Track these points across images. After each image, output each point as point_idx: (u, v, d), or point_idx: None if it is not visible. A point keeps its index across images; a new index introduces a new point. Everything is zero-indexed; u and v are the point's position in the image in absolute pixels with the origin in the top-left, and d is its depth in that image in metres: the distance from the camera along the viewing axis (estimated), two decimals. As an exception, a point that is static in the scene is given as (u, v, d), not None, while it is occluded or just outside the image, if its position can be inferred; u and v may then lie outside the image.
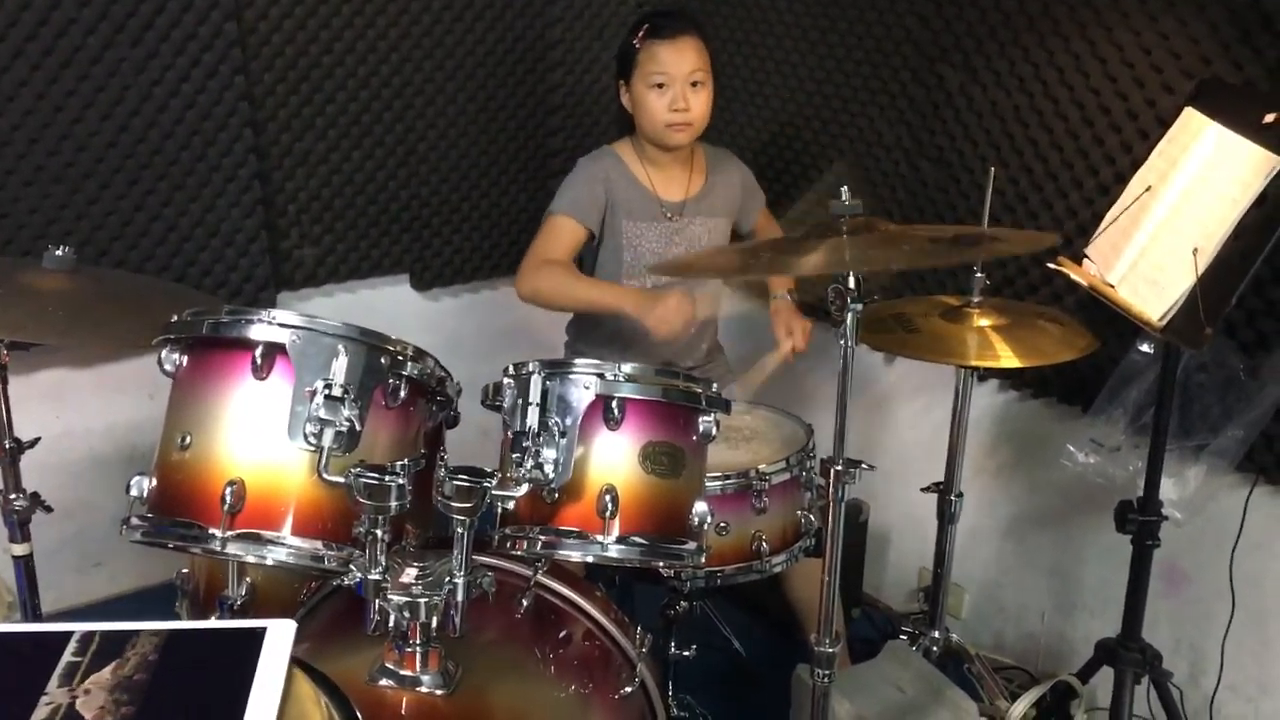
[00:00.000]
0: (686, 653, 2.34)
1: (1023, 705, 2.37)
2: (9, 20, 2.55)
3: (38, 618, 2.23)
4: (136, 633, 1.05)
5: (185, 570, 2.30)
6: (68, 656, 1.01)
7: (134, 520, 1.66)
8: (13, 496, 2.11)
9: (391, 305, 3.38)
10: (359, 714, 1.09)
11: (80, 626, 1.05)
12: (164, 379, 3.10)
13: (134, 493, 1.67)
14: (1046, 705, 2.52)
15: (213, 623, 1.14)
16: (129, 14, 2.68)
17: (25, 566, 2.17)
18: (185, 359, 1.71)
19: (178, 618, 2.29)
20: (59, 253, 2.02)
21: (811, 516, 2.23)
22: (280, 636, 1.06)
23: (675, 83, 2.42)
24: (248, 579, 2.07)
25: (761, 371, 2.49)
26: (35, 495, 2.14)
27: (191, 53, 2.79)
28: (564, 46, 3.42)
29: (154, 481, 1.68)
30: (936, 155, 2.78)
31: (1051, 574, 2.84)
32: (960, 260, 1.81)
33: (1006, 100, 2.60)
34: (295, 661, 1.06)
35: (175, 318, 1.72)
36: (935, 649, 2.52)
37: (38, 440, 2.13)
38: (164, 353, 1.71)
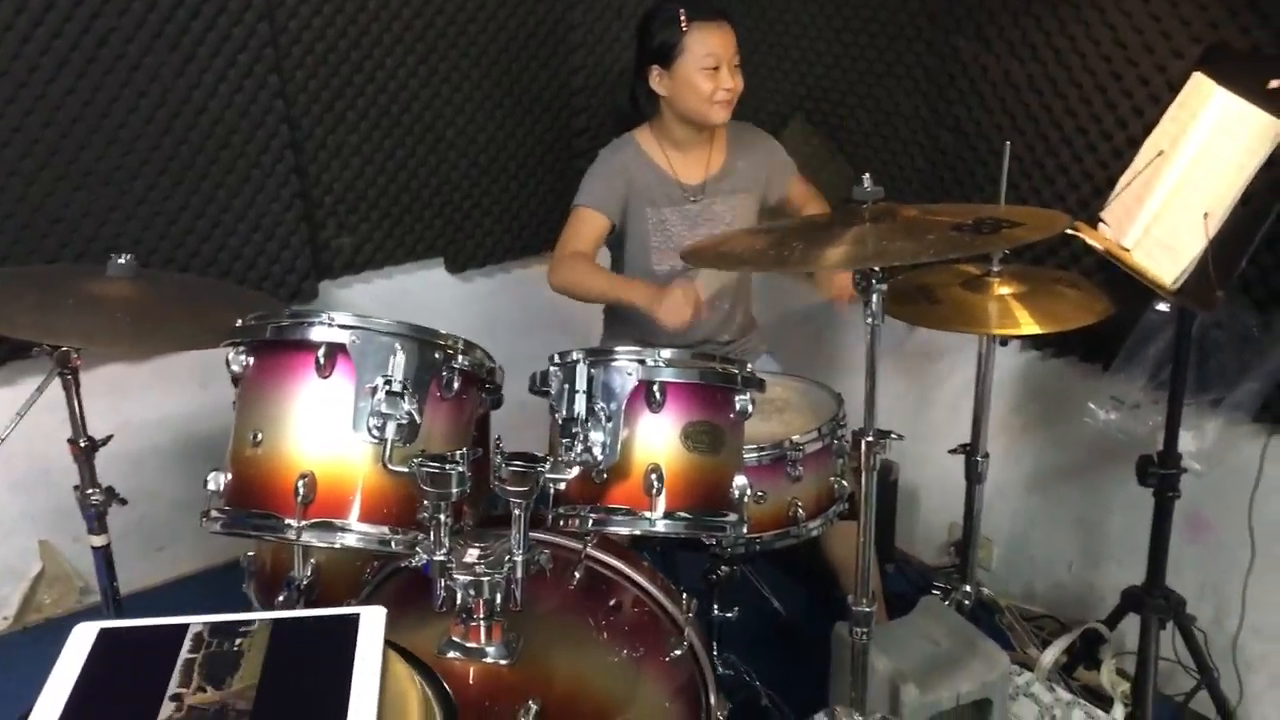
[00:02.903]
0: (729, 614, 2.46)
1: (1053, 653, 2.47)
2: (53, 32, 2.64)
3: (118, 603, 2.35)
4: (244, 623, 1.16)
5: (251, 553, 2.43)
6: (185, 652, 1.12)
7: (213, 513, 1.78)
8: (90, 491, 2.24)
9: (427, 288, 3.48)
10: (446, 687, 1.19)
11: (193, 620, 1.16)
12: (216, 370, 3.20)
13: (211, 486, 1.79)
14: (1076, 651, 2.63)
15: (311, 611, 1.25)
16: (165, 20, 2.77)
17: (104, 556, 2.30)
18: (251, 360, 1.81)
19: (245, 597, 2.42)
20: (121, 261, 2.13)
21: (844, 481, 2.33)
22: (373, 621, 1.17)
23: (723, 64, 2.51)
24: (312, 560, 2.18)
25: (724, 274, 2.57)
26: (110, 489, 2.27)
27: (227, 54, 2.88)
28: (584, 29, 3.48)
29: (229, 476, 1.79)
30: (954, 125, 2.86)
31: (1077, 525, 2.93)
32: (982, 249, 1.89)
33: (1020, 69, 2.67)
34: (386, 643, 1.17)
35: (240, 322, 1.84)
36: (967, 602, 2.62)
37: (110, 438, 2.25)
38: (231, 354, 1.82)
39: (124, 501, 2.30)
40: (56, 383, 2.17)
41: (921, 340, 3.11)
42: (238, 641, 1.14)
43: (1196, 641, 2.44)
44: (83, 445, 2.21)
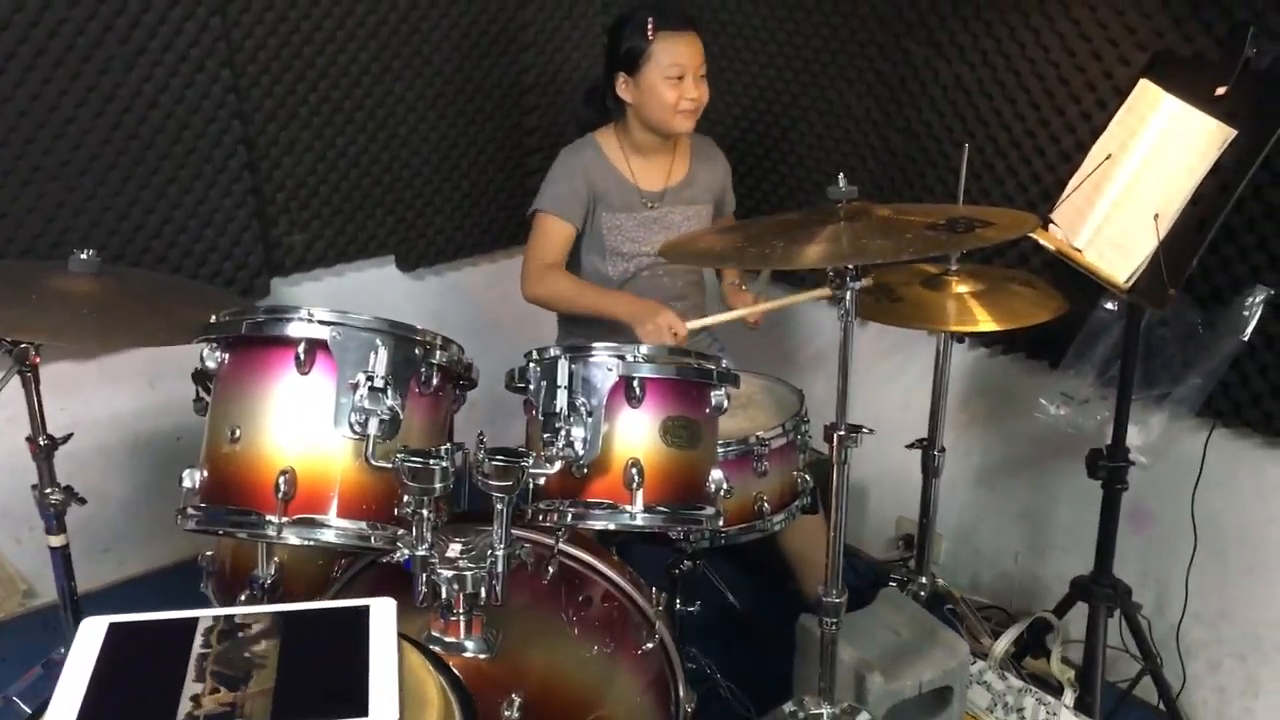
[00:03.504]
0: (691, 609, 2.49)
1: (1005, 641, 2.54)
2: (1, 24, 2.59)
3: (76, 605, 2.32)
4: (254, 618, 1.16)
5: (210, 552, 2.41)
6: (198, 647, 1.11)
7: (189, 510, 1.76)
8: (48, 490, 2.20)
9: (378, 286, 3.47)
10: (458, 675, 1.21)
11: (201, 614, 1.16)
12: (164, 369, 3.21)
13: (186, 484, 1.77)
14: (1024, 641, 2.71)
15: (319, 604, 1.25)
16: (117, 13, 2.73)
17: (62, 556, 2.27)
18: (227, 356, 1.80)
19: (205, 597, 2.40)
20: (84, 256, 2.10)
21: (807, 476, 2.37)
22: (384, 613, 1.18)
23: (689, 74, 2.54)
24: (276, 559, 2.17)
25: (718, 318, 2.57)
26: (69, 488, 2.24)
27: (179, 48, 2.85)
28: (535, 28, 3.50)
29: (205, 473, 1.78)
30: (905, 127, 2.92)
31: (1023, 518, 3.02)
32: (958, 247, 1.94)
33: (970, 74, 2.74)
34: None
35: (214, 318, 1.82)
36: (922, 594, 2.69)
37: (70, 436, 2.22)
38: (205, 350, 1.80)
39: (83, 501, 2.27)
40: (-1, 381, 2.13)
41: (871, 337, 3.17)
42: (250, 635, 1.14)
43: (1141, 628, 2.53)
44: (42, 444, 2.18)
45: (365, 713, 1.05)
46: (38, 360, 2.13)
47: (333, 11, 3.10)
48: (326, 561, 2.22)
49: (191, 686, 1.05)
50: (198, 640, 1.12)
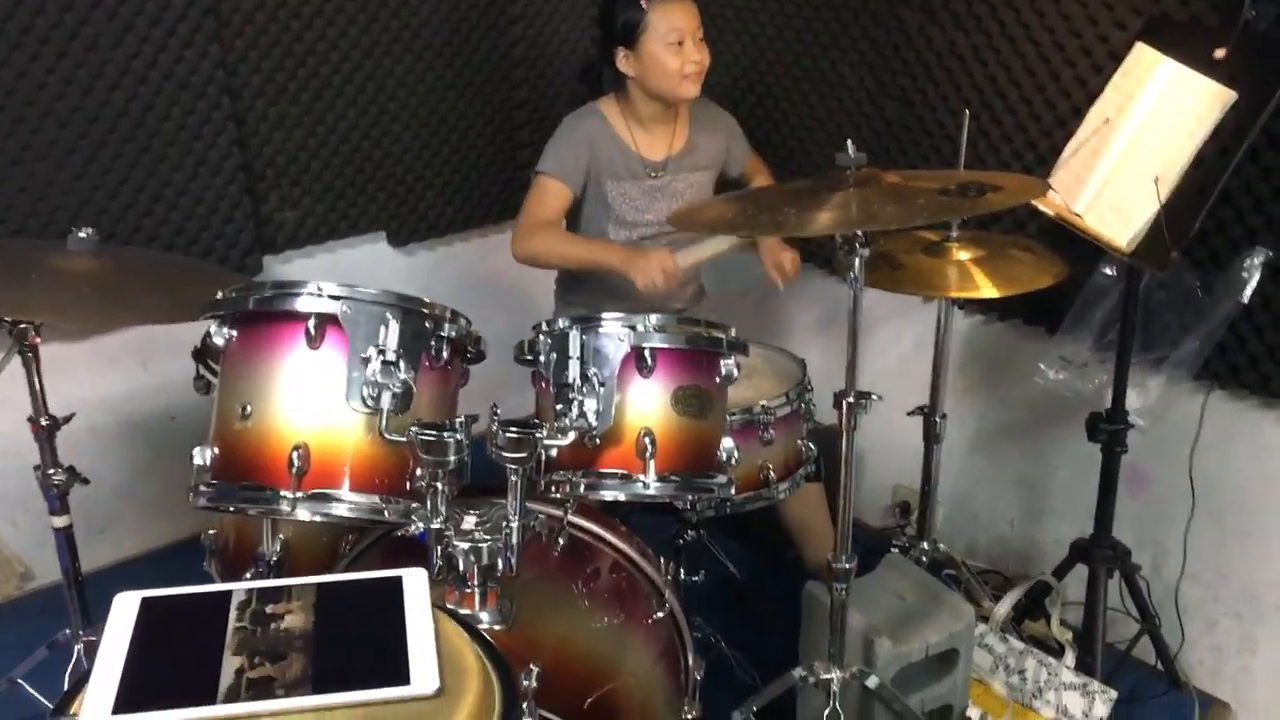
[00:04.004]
0: (696, 578, 2.50)
1: (1006, 604, 2.56)
2: (-15, -1, 2.56)
3: (80, 586, 2.31)
4: (289, 588, 1.16)
5: (213, 531, 2.40)
6: (233, 620, 1.11)
7: (201, 488, 1.75)
8: (51, 471, 2.19)
9: (370, 262, 3.45)
10: (492, 642, 1.21)
11: (234, 586, 1.15)
12: (157, 349, 3.18)
13: (198, 461, 1.76)
14: (1022, 604, 2.73)
15: (351, 575, 1.25)
16: (104, -13, 2.71)
17: (66, 537, 2.26)
18: (235, 333, 1.78)
19: (208, 575, 2.39)
20: (83, 235, 2.08)
21: (810, 445, 2.39)
22: (417, 583, 1.18)
23: (688, 38, 2.53)
24: (281, 535, 2.17)
25: (704, 250, 2.56)
26: (72, 469, 2.22)
27: (167, 23, 2.81)
28: (523, 1, 3.48)
29: (216, 450, 1.76)
30: (899, 95, 2.92)
31: (1019, 483, 3.04)
32: (970, 212, 1.95)
33: (965, 40, 2.74)
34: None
35: (221, 294, 1.80)
36: (924, 559, 2.71)
37: (72, 416, 2.21)
38: (213, 327, 1.78)
39: (86, 481, 2.26)
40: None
41: (866, 304, 3.18)
42: (284, 607, 1.14)
43: (1140, 589, 2.56)
44: (44, 424, 2.16)
45: (407, 680, 1.05)
46: (38, 340, 2.11)
47: (320, -14, 3.07)
48: (332, 538, 2.22)
49: (231, 660, 1.05)
50: (232, 613, 1.12)
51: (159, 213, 2.94)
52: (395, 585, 1.18)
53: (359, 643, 1.10)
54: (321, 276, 3.28)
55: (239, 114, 3.02)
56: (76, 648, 2.33)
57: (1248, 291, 2.24)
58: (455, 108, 3.44)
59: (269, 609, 1.13)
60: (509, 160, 3.60)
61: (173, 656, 1.06)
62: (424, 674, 1.05)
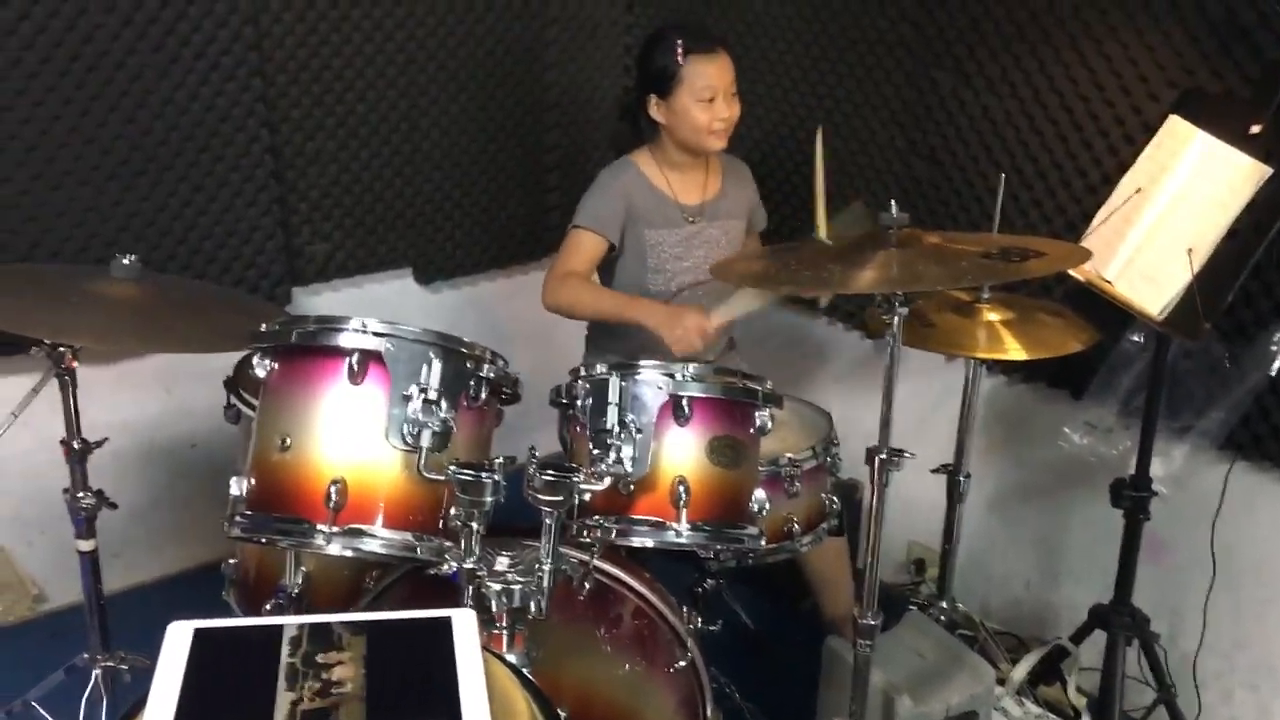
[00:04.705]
0: (713, 627, 2.49)
1: (1024, 667, 2.56)
2: (37, 28, 2.60)
3: (102, 610, 2.31)
4: (340, 625, 1.17)
5: (234, 560, 2.40)
6: (285, 655, 1.12)
7: (236, 518, 1.76)
8: (80, 495, 2.20)
9: (396, 298, 3.47)
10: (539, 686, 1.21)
11: (285, 621, 1.16)
12: (181, 375, 3.19)
13: (234, 491, 1.77)
14: (1037, 668, 2.73)
15: (401, 614, 1.25)
16: (151, 20, 2.74)
17: (91, 561, 2.26)
18: (277, 365, 1.80)
19: (226, 605, 2.39)
20: (126, 261, 2.11)
21: (834, 499, 2.39)
22: (466, 624, 1.19)
23: (720, 94, 2.55)
24: (303, 568, 2.17)
25: (736, 307, 2.52)
26: (100, 493, 2.23)
27: (211, 56, 2.86)
28: (558, 47, 3.53)
29: (252, 480, 1.77)
30: (929, 155, 2.95)
31: (1035, 544, 3.04)
32: (1011, 277, 1.97)
33: (998, 105, 2.77)
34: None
35: (264, 327, 1.82)
36: (943, 618, 2.70)
37: (105, 440, 2.22)
38: (256, 359, 1.80)
39: (114, 505, 2.27)
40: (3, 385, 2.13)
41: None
42: (336, 643, 1.14)
43: (1158, 657, 2.55)
44: (76, 447, 2.17)
45: (459, 720, 1.05)
46: (75, 364, 2.13)
47: (362, 25, 3.12)
48: (353, 572, 2.22)
49: (285, 695, 1.06)
50: (285, 648, 1.12)
51: (193, 241, 2.97)
52: (445, 626, 1.18)
53: (411, 682, 1.10)
54: (348, 310, 3.33)
55: (276, 147, 3.06)
56: (95, 672, 2.32)
57: (1276, 365, 2.26)
58: (486, 150, 3.48)
59: (321, 645, 1.13)
60: (538, 203, 3.63)
61: (226, 689, 1.07)
62: (476, 714, 1.06)
